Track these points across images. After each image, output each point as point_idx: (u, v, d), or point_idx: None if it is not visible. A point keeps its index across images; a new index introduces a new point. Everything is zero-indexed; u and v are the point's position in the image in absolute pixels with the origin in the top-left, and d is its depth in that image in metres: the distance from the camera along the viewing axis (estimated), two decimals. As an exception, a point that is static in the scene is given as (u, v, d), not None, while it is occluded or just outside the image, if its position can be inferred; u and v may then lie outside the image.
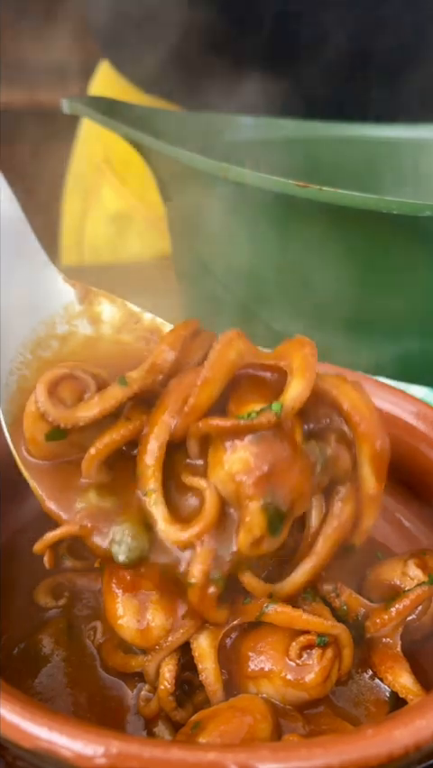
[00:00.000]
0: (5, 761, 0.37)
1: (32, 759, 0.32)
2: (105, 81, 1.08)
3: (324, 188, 0.56)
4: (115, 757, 0.30)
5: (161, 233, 0.81)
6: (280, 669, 0.41)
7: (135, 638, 0.41)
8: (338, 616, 0.44)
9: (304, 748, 0.30)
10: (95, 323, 0.50)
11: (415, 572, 0.47)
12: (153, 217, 0.98)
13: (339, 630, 0.41)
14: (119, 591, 0.41)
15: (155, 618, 0.40)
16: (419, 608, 0.45)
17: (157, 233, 0.97)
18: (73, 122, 1.15)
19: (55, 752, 0.31)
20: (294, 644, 0.41)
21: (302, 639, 0.40)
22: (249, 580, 0.41)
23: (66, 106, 0.71)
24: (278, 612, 0.41)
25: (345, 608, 0.45)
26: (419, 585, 0.44)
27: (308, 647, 0.41)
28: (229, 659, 0.42)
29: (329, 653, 0.41)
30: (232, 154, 0.75)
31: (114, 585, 0.41)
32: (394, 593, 0.46)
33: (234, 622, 0.42)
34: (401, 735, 0.31)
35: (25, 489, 0.44)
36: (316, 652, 0.41)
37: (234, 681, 0.42)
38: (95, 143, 1.11)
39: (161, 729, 0.41)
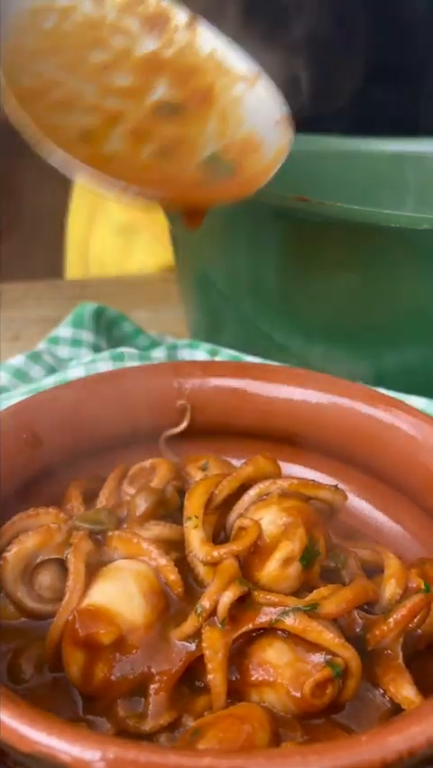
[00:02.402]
0: (6, 766, 0.37)
1: (30, 763, 0.33)
2: None
3: (323, 202, 0.57)
4: (113, 762, 0.31)
5: (166, 244, 0.81)
6: (285, 679, 0.41)
7: (79, 687, 0.42)
8: (341, 627, 0.44)
9: (298, 755, 0.31)
10: (97, 1, 0.49)
11: (415, 582, 0.47)
12: (158, 228, 0.98)
13: (350, 655, 0.41)
14: (70, 643, 0.42)
15: (98, 673, 0.41)
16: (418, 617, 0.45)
17: (162, 245, 0.97)
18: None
19: (53, 756, 0.31)
20: (310, 680, 0.41)
21: (318, 676, 0.41)
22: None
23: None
24: (296, 621, 0.42)
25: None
26: (415, 593, 0.45)
27: (323, 684, 0.41)
28: (233, 664, 0.43)
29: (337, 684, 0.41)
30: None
31: (68, 638, 0.42)
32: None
33: (248, 627, 0.43)
34: (396, 741, 0.32)
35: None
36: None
37: (236, 687, 0.43)
38: None
39: (161, 737, 0.41)
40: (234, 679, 0.43)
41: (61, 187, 1.21)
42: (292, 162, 0.85)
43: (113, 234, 1.10)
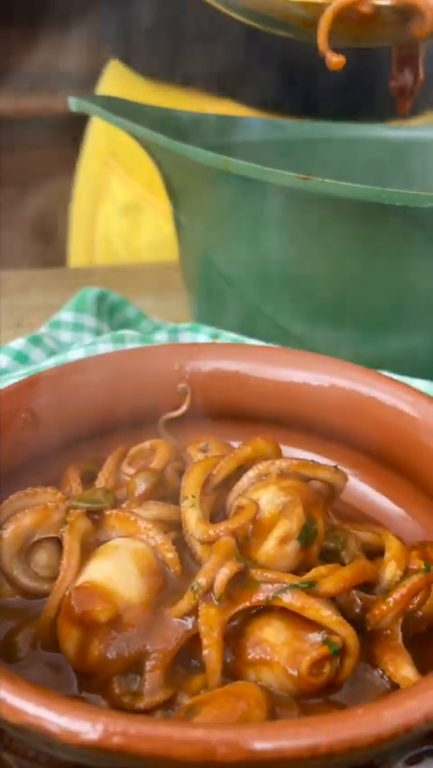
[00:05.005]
0: (2, 744, 0.37)
1: (20, 735, 0.32)
2: (115, 76, 1.08)
3: (326, 180, 0.56)
4: (102, 733, 0.30)
5: (170, 218, 0.80)
6: (282, 658, 0.41)
7: (75, 665, 0.42)
8: (340, 606, 0.44)
9: (292, 727, 0.30)
10: None
11: (415, 564, 0.46)
12: (163, 204, 0.98)
13: (348, 633, 0.41)
14: (66, 620, 0.42)
15: (94, 651, 0.41)
16: (418, 597, 0.44)
17: (166, 219, 0.96)
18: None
19: (42, 727, 0.31)
20: (307, 658, 0.40)
21: (315, 654, 0.40)
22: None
23: (73, 104, 0.72)
24: (294, 598, 0.41)
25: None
26: (415, 573, 0.44)
27: (320, 662, 0.41)
28: (230, 644, 0.42)
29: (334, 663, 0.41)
30: (239, 154, 0.75)
31: (64, 615, 0.42)
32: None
33: (245, 604, 0.42)
34: (392, 715, 0.31)
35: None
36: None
37: (233, 666, 0.42)
38: (101, 139, 1.11)
39: (156, 714, 0.41)
40: (230, 660, 0.42)
41: (66, 176, 1.21)
42: (301, 149, 0.85)
43: (118, 214, 1.09)
